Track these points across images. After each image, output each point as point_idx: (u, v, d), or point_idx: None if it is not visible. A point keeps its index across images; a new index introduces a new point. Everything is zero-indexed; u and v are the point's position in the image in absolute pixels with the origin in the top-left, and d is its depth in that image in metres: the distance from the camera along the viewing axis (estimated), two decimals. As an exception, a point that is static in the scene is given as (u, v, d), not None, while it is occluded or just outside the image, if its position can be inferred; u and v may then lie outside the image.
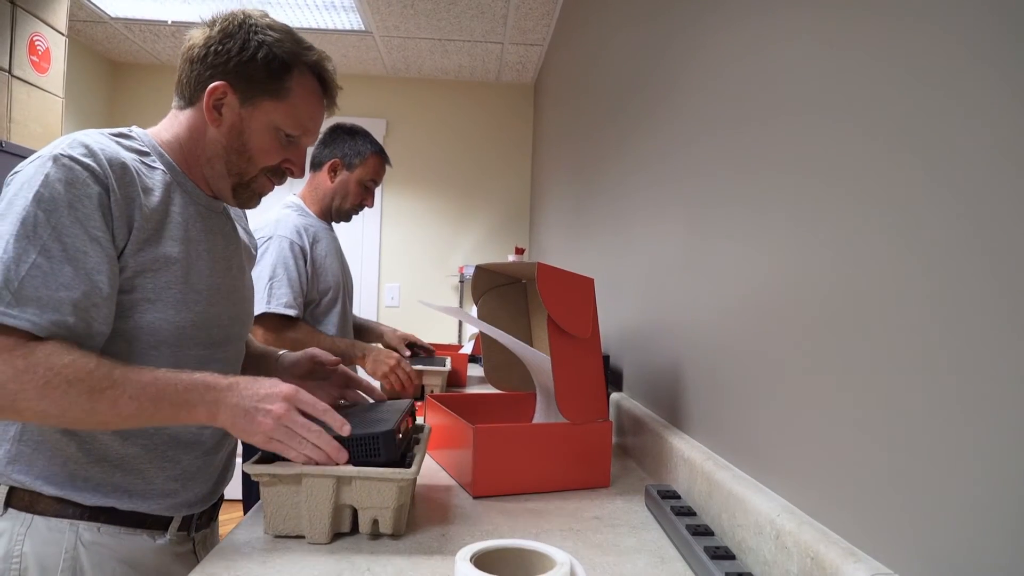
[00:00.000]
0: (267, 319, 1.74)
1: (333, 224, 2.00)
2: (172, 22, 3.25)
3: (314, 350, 1.15)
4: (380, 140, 3.75)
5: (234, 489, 1.51)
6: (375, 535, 0.83)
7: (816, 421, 0.69)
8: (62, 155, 0.80)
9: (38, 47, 2.19)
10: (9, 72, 2.07)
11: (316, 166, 1.94)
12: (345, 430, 0.82)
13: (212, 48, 0.91)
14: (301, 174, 1.00)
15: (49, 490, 0.84)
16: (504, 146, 3.87)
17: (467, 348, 2.37)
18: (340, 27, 3.16)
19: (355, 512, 0.82)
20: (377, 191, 2.54)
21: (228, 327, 0.99)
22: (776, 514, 0.71)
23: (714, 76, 1.01)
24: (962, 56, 0.50)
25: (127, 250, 0.84)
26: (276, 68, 0.93)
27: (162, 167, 0.92)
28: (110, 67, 3.76)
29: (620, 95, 1.65)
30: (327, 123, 1.99)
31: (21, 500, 0.84)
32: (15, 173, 0.82)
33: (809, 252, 0.71)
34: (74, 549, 0.84)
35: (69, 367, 0.76)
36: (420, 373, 1.83)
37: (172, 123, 0.96)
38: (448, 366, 1.92)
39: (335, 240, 1.96)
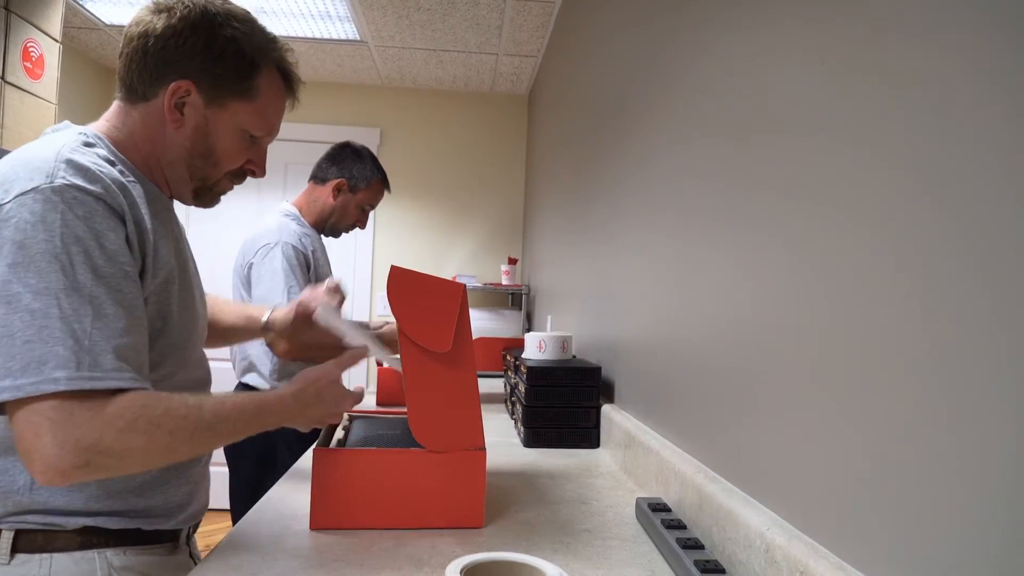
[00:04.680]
0: None
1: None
2: (167, 30, 3.25)
3: (295, 302, 1.19)
4: (374, 150, 3.77)
5: (216, 499, 1.54)
6: None
7: (806, 435, 0.69)
8: (68, 186, 0.73)
9: (32, 53, 2.19)
10: (2, 78, 2.07)
11: (319, 180, 1.97)
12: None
13: (171, 42, 0.83)
14: (263, 174, 0.97)
15: (72, 523, 0.80)
16: (498, 157, 3.88)
17: None
18: (335, 37, 3.17)
19: None
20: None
21: (204, 320, 1.01)
22: (766, 528, 0.71)
23: (708, 88, 1.01)
24: (964, 72, 0.50)
25: (146, 276, 0.81)
26: (245, 67, 0.87)
27: (132, 177, 0.84)
28: (104, 73, 3.75)
29: (614, 107, 1.66)
30: (337, 139, 2.09)
31: (33, 542, 0.79)
32: (3, 211, 0.72)
33: (800, 266, 0.72)
34: None
35: (164, 417, 0.74)
36: None
37: (123, 120, 0.88)
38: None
39: (325, 251, 2.02)
